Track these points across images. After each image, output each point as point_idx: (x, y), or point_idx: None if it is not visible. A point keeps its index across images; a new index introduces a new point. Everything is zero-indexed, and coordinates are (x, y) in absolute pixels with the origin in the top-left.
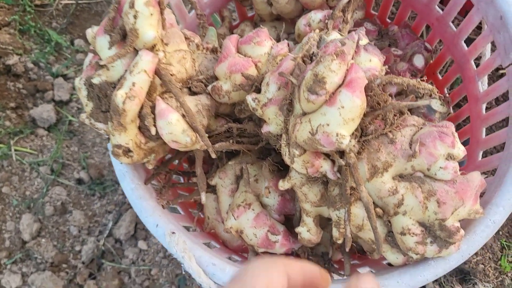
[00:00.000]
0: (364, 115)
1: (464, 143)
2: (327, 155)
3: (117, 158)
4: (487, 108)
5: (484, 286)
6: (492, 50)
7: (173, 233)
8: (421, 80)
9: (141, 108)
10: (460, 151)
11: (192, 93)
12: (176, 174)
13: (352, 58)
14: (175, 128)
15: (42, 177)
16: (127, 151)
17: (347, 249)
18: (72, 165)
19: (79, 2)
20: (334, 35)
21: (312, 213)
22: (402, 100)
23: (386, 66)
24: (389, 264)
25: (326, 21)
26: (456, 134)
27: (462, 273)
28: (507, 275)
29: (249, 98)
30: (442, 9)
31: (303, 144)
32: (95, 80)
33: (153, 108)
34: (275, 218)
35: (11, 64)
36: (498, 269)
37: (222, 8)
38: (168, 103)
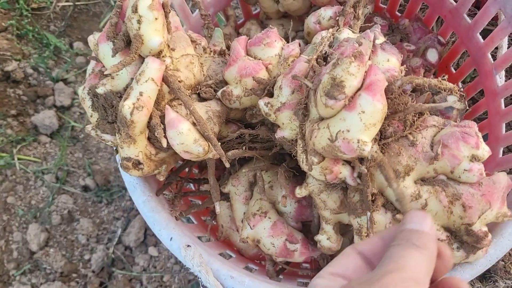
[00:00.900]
0: (384, 118)
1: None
2: (346, 161)
3: (126, 171)
4: (506, 103)
5: (505, 283)
6: (510, 43)
7: (189, 246)
8: (441, 79)
9: (150, 118)
10: (485, 151)
11: (202, 99)
12: (187, 181)
13: (369, 59)
14: (187, 138)
15: (47, 185)
16: (137, 164)
17: None
18: (77, 172)
19: (77, 4)
20: (346, 32)
21: (332, 221)
22: (418, 97)
23: (405, 65)
24: None
25: (337, 18)
26: (479, 134)
27: None
28: None
29: (262, 103)
30: (456, 1)
31: (321, 151)
32: (100, 90)
33: (162, 117)
34: (293, 225)
35: (10, 70)
36: None
37: (226, 6)
38: (177, 111)
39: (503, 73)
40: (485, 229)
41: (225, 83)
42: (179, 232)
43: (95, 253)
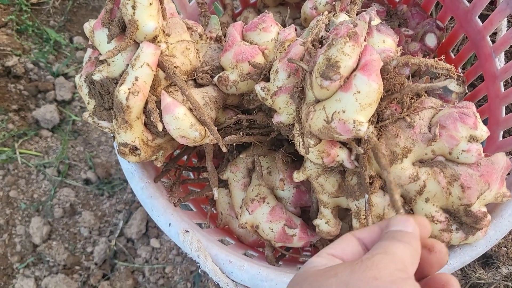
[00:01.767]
0: (380, 99)
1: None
2: (343, 143)
3: (123, 157)
4: (505, 86)
5: (508, 269)
6: (508, 26)
7: (187, 231)
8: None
9: (146, 103)
10: (483, 132)
11: (198, 85)
12: (186, 169)
13: (365, 40)
14: (183, 122)
15: (49, 179)
16: (134, 149)
17: None
18: (78, 165)
19: None
20: (343, 17)
21: (330, 204)
22: (417, 82)
23: (401, 47)
24: None
25: (334, 3)
26: (477, 115)
27: (484, 257)
28: None
29: (258, 88)
30: None
31: (318, 133)
32: (96, 77)
33: (158, 103)
34: (291, 211)
35: (11, 66)
36: None
37: None
38: (174, 97)
39: (502, 56)
40: (484, 209)
41: (221, 69)
42: (177, 218)
43: (97, 245)
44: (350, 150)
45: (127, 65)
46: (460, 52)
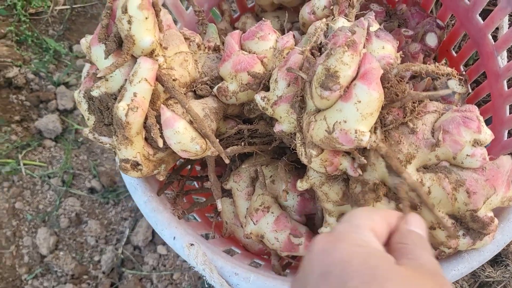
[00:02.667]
0: (382, 107)
1: (487, 122)
2: (346, 151)
3: (125, 173)
4: (509, 84)
5: None
6: (510, 23)
7: (192, 245)
8: (438, 63)
9: (146, 118)
10: (487, 135)
11: (198, 96)
12: (189, 180)
13: (364, 47)
14: (184, 136)
15: (54, 189)
16: (135, 165)
17: None
18: (83, 174)
19: (74, 6)
20: (341, 21)
21: (335, 213)
22: (418, 83)
23: (401, 52)
24: None
25: (331, 7)
26: (481, 118)
27: None
28: None
29: (258, 97)
30: None
31: (320, 143)
32: (95, 93)
33: (158, 117)
34: (296, 219)
35: (12, 77)
36: None
37: (220, 1)
38: (173, 110)
39: (505, 54)
40: (490, 214)
41: (220, 79)
42: (181, 231)
43: (104, 254)
44: (353, 158)
45: (125, 80)
46: (461, 50)
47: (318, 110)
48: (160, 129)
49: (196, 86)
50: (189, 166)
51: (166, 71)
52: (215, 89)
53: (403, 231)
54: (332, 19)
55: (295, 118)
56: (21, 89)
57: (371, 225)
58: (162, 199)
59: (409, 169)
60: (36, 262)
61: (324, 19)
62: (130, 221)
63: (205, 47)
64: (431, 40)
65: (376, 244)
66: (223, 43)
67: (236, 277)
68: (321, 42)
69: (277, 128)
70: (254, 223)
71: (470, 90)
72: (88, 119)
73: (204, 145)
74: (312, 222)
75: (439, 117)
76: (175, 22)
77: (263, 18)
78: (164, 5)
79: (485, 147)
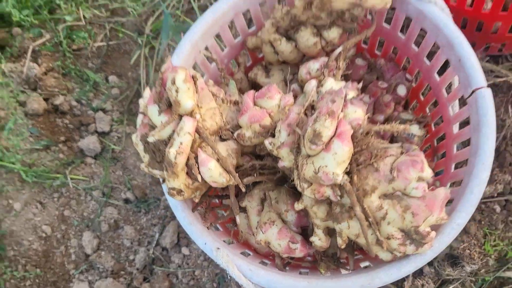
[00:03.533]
0: (353, 154)
1: (443, 155)
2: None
3: (172, 197)
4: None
5: (471, 267)
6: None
7: (218, 248)
8: (407, 109)
9: (188, 159)
10: (428, 174)
11: (222, 139)
12: (214, 197)
13: (342, 110)
14: (214, 172)
15: (96, 199)
16: (179, 192)
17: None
18: (119, 187)
19: (110, 43)
20: (330, 81)
21: (321, 226)
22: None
23: (369, 114)
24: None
25: (323, 69)
26: (425, 161)
27: (452, 258)
28: (490, 257)
29: (266, 142)
30: (418, 46)
31: (309, 179)
32: (150, 139)
33: (195, 157)
34: (294, 230)
35: (58, 104)
36: (482, 253)
37: (237, 55)
38: (205, 151)
39: (456, 103)
40: (428, 229)
41: (239, 127)
42: (210, 238)
43: (138, 254)
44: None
45: (173, 131)
46: (426, 96)
47: (308, 156)
48: (197, 166)
49: (221, 133)
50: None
51: (201, 124)
52: (235, 135)
53: None
54: (323, 78)
55: (293, 158)
56: (66, 114)
57: None
58: (195, 214)
59: (373, 197)
60: (81, 260)
61: (315, 80)
62: (159, 226)
63: (228, 101)
64: (401, 90)
65: None
66: (242, 92)
67: (250, 272)
68: (313, 100)
69: (280, 164)
70: (263, 232)
71: (427, 134)
72: (144, 157)
73: (228, 178)
74: (305, 233)
75: (396, 159)
76: (202, 75)
77: (271, 72)
78: (195, 64)
79: (440, 174)
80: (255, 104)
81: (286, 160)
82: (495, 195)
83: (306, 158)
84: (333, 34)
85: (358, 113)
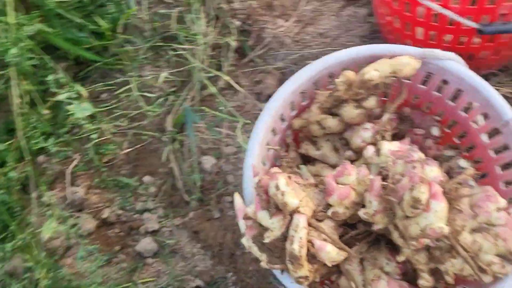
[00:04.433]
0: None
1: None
2: None
3: (301, 284)
4: None
5: None
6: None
7: None
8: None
9: (308, 249)
10: (503, 203)
11: (319, 221)
12: None
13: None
14: (332, 254)
15: None
16: (306, 278)
17: None
18: (187, 277)
19: (136, 147)
20: (386, 145)
21: (425, 270)
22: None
23: (442, 168)
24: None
25: (376, 135)
26: (495, 192)
27: None
28: None
29: (361, 213)
30: (439, 92)
31: (415, 236)
32: (267, 240)
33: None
34: (398, 279)
35: (106, 217)
36: None
37: (284, 138)
38: (317, 236)
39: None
40: None
41: (329, 206)
42: None
43: None
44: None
45: (286, 228)
46: (451, 128)
47: (407, 217)
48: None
49: (317, 215)
50: None
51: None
52: (329, 213)
53: None
54: (378, 142)
55: (386, 221)
56: (114, 224)
57: None
58: None
59: (464, 234)
60: None
61: (372, 146)
62: None
63: (309, 185)
64: (435, 131)
65: None
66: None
67: None
68: (382, 167)
69: (376, 227)
70: None
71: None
72: (261, 256)
73: (344, 253)
74: (405, 278)
75: (471, 197)
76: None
77: (318, 143)
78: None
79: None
80: (336, 182)
81: (379, 224)
82: None
83: (406, 219)
84: (371, 102)
85: (435, 171)
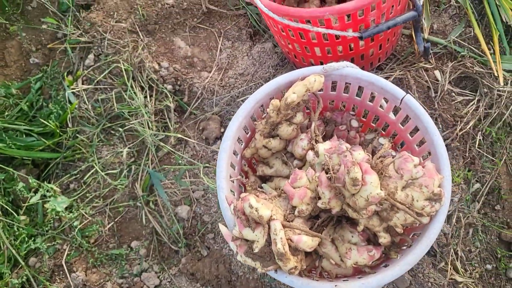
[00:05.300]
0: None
1: (401, 144)
2: None
3: (293, 274)
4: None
5: None
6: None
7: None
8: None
9: (288, 246)
10: (416, 160)
11: (290, 221)
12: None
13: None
14: (308, 242)
15: None
16: (295, 267)
17: None
18: None
19: (116, 220)
20: (321, 146)
21: (381, 229)
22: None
23: (369, 148)
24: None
25: (310, 142)
26: (409, 154)
27: None
28: None
29: (319, 204)
30: (359, 96)
31: (364, 206)
32: (256, 250)
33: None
34: (364, 245)
35: None
36: None
37: (241, 166)
38: (292, 233)
39: (391, 112)
40: (439, 189)
41: (294, 207)
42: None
43: None
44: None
45: (268, 235)
46: (367, 116)
47: (352, 194)
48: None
49: (287, 217)
50: None
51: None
52: (296, 213)
53: None
54: (314, 145)
55: (340, 204)
56: None
57: None
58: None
59: (398, 192)
60: None
61: (311, 151)
62: None
63: (274, 197)
64: (354, 123)
65: None
66: (277, 189)
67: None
68: (323, 164)
69: (333, 211)
70: (349, 259)
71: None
72: (255, 265)
73: (317, 239)
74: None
75: (394, 163)
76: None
77: (269, 163)
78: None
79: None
80: (293, 187)
81: (336, 207)
82: None
83: (352, 197)
84: (299, 118)
85: (361, 154)
